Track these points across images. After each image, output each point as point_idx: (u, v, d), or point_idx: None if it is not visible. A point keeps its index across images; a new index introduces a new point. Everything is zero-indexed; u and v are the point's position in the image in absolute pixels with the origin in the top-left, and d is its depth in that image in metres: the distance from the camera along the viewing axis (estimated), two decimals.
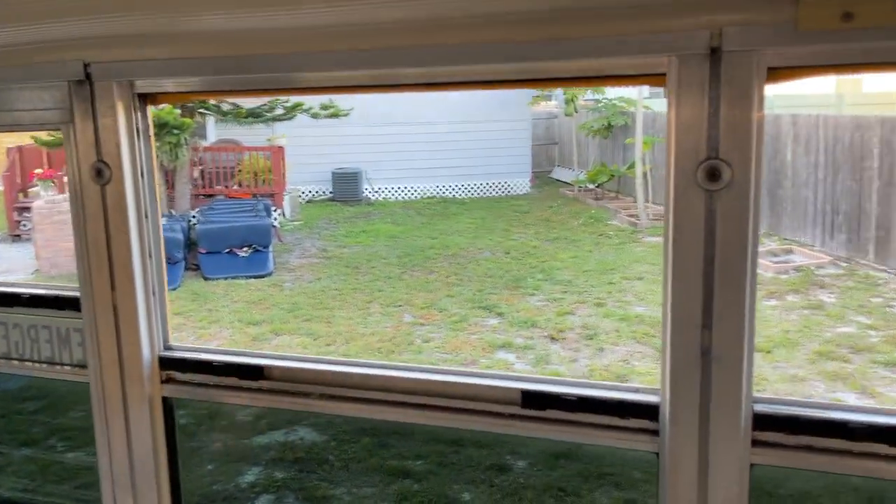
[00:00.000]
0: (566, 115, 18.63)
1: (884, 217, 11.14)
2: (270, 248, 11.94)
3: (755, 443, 0.98)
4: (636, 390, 1.05)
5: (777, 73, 0.90)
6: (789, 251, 12.43)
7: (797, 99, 19.88)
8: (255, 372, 1.24)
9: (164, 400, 1.31)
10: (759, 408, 0.99)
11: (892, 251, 10.97)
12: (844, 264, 11.55)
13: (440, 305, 10.17)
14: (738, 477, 0.97)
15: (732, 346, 0.95)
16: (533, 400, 1.01)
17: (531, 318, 9.65)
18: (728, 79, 0.90)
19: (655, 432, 1.03)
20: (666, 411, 1.00)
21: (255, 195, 13.95)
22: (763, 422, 0.98)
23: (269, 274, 11.49)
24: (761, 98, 0.90)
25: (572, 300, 10.27)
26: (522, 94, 18.46)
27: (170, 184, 12.63)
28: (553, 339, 8.99)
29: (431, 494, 5.61)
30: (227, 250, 11.44)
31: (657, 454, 1.02)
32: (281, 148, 14.71)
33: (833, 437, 0.95)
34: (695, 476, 0.99)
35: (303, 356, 1.37)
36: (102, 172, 1.23)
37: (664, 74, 0.93)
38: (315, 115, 13.51)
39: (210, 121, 14.75)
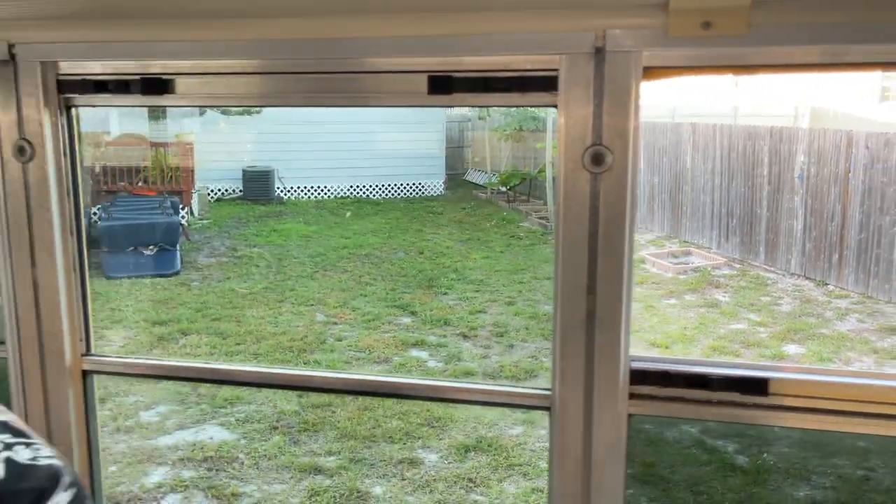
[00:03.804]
0: (479, 118, 18.95)
1: (773, 221, 11.86)
2: (178, 247, 11.64)
3: (632, 395, 1.12)
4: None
5: (652, 71, 1.04)
6: (688, 253, 13.05)
7: (699, 109, 20.89)
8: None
9: (85, 374, 1.35)
10: (636, 364, 1.13)
11: (780, 253, 11.71)
12: (738, 265, 12.22)
13: (353, 305, 10.18)
14: (617, 426, 1.11)
15: (612, 309, 1.08)
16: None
17: (444, 317, 9.79)
18: (610, 76, 1.03)
19: (548, 389, 1.15)
20: (556, 369, 1.13)
21: (161, 192, 13.58)
22: (639, 377, 1.12)
23: (177, 273, 11.20)
24: (638, 93, 1.04)
25: (484, 299, 10.48)
26: None
27: None
28: (465, 336, 9.16)
29: (343, 489, 5.66)
30: (131, 249, 11.09)
31: (549, 409, 1.15)
32: (189, 144, 14.37)
33: (697, 388, 1.10)
34: (581, 427, 1.12)
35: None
36: (24, 150, 1.26)
37: (557, 70, 1.06)
38: (225, 112, 13.28)
39: (113, 114, 14.25)
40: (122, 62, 1.18)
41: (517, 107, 1.00)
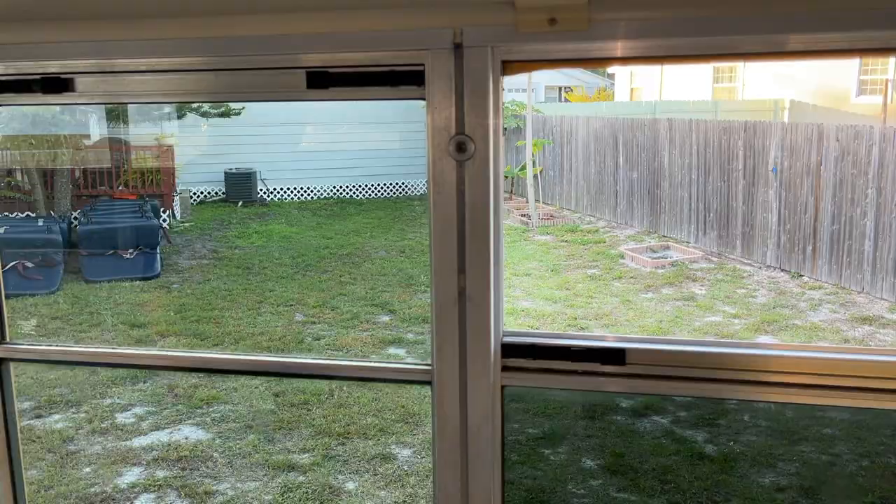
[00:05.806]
0: None
1: (748, 214, 12.00)
2: (158, 250, 11.67)
3: (505, 368, 1.20)
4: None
5: (511, 65, 1.12)
6: (666, 247, 13.18)
7: (680, 105, 21.04)
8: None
9: (0, 362, 1.41)
10: (508, 339, 1.20)
11: (756, 246, 11.85)
12: (715, 259, 12.35)
13: (332, 304, 10.24)
14: (491, 397, 1.19)
15: (482, 287, 1.16)
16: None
17: (422, 315, 9.85)
18: (469, 70, 1.11)
19: (429, 364, 1.23)
20: (434, 345, 1.21)
21: (142, 196, 13.58)
22: (511, 350, 1.20)
23: (157, 276, 11.23)
24: (497, 85, 1.12)
25: None
26: None
27: (49, 183, 12.17)
28: None
29: (316, 485, 5.72)
30: (111, 252, 11.12)
31: (430, 382, 1.23)
32: (170, 147, 14.38)
33: (561, 359, 1.18)
34: (457, 398, 1.19)
35: None
36: None
37: (423, 65, 1.13)
38: (205, 114, 13.31)
39: (93, 118, 14.25)
40: (22, 63, 1.25)
41: (390, 99, 1.07)
